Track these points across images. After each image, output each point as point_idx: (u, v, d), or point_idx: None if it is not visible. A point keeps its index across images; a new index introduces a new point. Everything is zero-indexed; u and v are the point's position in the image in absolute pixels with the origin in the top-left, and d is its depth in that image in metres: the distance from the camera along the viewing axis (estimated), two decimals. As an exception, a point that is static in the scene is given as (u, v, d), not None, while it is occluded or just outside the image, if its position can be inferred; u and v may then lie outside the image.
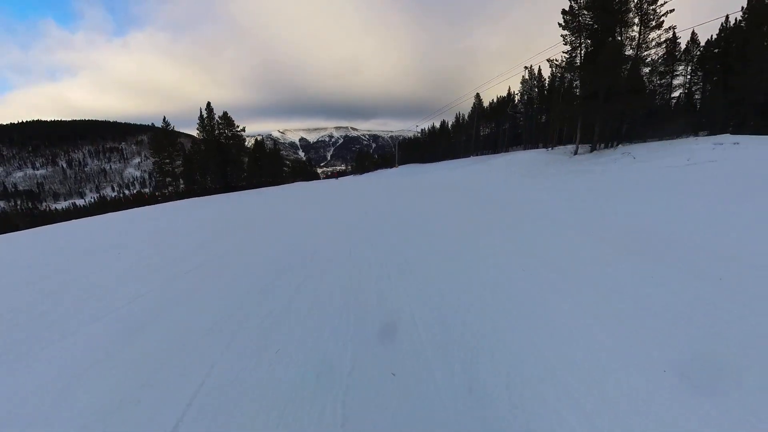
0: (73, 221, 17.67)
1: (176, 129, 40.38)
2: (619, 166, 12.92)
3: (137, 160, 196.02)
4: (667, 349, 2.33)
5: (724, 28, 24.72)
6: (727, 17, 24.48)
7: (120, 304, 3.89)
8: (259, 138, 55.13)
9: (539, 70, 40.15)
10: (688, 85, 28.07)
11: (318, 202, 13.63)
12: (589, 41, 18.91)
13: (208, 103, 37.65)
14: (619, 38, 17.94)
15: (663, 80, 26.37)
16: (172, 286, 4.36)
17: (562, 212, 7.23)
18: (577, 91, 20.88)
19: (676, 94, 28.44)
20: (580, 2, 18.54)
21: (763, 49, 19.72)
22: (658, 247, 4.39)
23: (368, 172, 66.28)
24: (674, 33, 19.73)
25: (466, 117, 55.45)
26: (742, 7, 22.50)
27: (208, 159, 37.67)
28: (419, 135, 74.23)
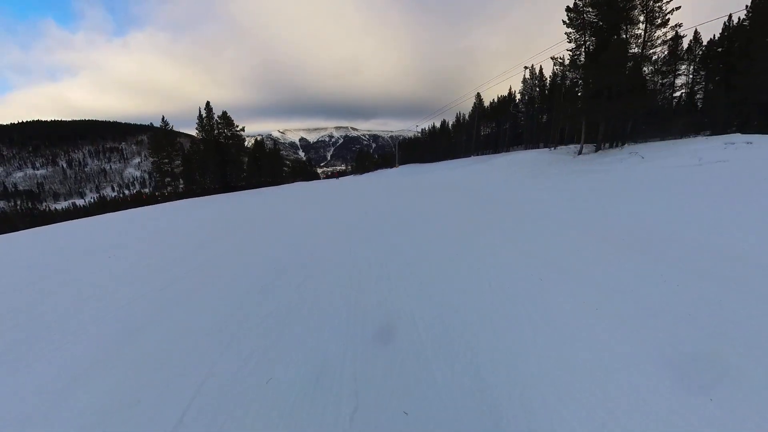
0: (73, 221, 17.66)
1: (177, 129, 40.36)
2: (626, 166, 12.56)
3: (137, 160, 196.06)
4: (669, 349, 2.32)
5: (727, 27, 24.67)
6: (730, 16, 24.46)
7: (120, 305, 3.89)
8: (259, 138, 55.12)
9: (540, 69, 40.23)
10: (690, 85, 28.01)
11: (318, 202, 13.61)
12: (593, 39, 18.84)
13: (207, 103, 37.55)
14: (625, 36, 17.85)
15: (665, 79, 26.32)
16: (172, 286, 4.35)
17: (563, 212, 7.20)
18: (579, 91, 20.80)
19: (677, 93, 28.43)
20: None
21: (767, 48, 19.65)
22: (662, 247, 4.37)
23: (368, 172, 66.22)
24: (677, 32, 19.67)
25: (466, 116, 55.34)
26: (747, 6, 22.46)
27: (207, 159, 37.60)
28: (419, 135, 74.06)
